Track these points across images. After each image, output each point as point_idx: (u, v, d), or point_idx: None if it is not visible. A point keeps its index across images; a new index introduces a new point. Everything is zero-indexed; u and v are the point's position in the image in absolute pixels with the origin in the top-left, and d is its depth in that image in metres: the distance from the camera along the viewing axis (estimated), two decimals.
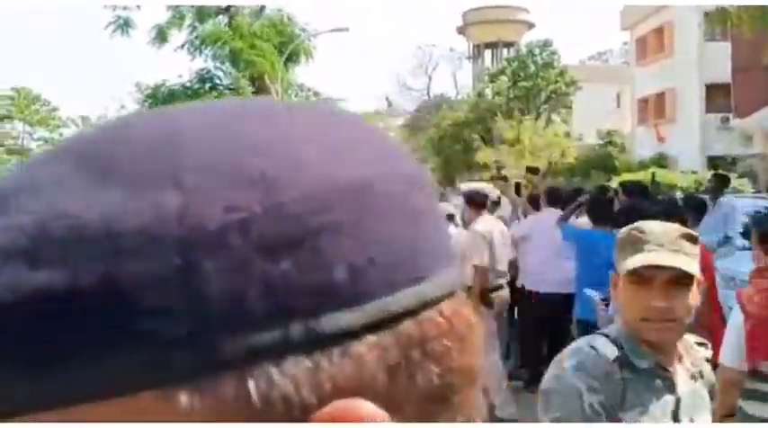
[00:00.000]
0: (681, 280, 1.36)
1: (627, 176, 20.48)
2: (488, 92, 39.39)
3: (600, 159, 27.93)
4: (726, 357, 2.28)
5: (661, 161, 23.06)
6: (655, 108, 26.23)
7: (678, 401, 1.39)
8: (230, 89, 16.34)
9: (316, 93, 20.74)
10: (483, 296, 4.83)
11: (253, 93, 16.62)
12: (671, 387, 1.39)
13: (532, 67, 36.14)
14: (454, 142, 40.04)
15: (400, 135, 56.57)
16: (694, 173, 20.22)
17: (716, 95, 22.09)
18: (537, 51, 36.89)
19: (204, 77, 16.76)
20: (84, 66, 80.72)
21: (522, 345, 5.82)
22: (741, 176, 17.84)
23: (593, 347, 1.36)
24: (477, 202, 5.46)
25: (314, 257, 0.24)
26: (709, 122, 23.09)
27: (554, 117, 33.11)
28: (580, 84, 35.19)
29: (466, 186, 26.68)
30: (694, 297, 1.39)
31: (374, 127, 0.33)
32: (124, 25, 15.39)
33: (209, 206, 0.24)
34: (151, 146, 0.25)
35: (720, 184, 7.64)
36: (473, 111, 39.48)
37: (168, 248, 0.23)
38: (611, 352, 1.35)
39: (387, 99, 62.53)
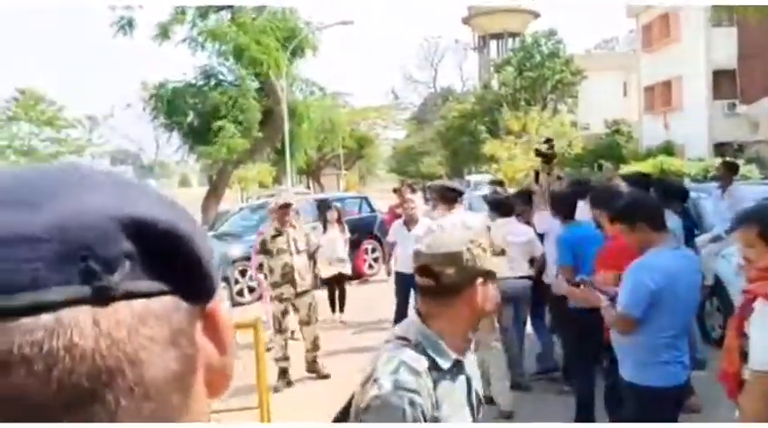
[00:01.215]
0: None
1: (634, 165, 20.52)
2: (494, 83, 39.28)
3: (607, 148, 27.81)
4: (764, 362, 2.09)
5: (668, 149, 22.95)
6: (661, 96, 26.07)
7: (469, 380, 1.58)
8: (235, 85, 16.35)
9: (321, 88, 20.74)
10: None
11: (258, 89, 16.66)
12: (462, 369, 1.57)
13: (538, 57, 36.00)
14: (461, 134, 39.99)
15: (407, 128, 56.61)
16: (701, 160, 20.16)
17: (723, 82, 21.94)
18: (542, 41, 36.72)
19: (208, 74, 16.77)
20: (88, 66, 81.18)
21: (567, 350, 5.10)
22: (748, 162, 17.75)
23: (404, 363, 1.45)
24: (448, 198, 5.79)
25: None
26: (716, 109, 22.93)
27: (560, 107, 33.00)
28: (586, 73, 35.00)
29: (473, 178, 26.31)
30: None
31: None
32: (127, 25, 15.43)
33: None
34: None
35: (729, 172, 7.57)
36: (479, 102, 39.40)
37: None
38: (422, 363, 1.46)
39: (393, 92, 62.61)
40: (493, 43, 51.75)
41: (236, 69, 16.68)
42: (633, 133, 29.13)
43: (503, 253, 5.00)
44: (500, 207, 5.73)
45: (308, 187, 37.56)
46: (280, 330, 5.87)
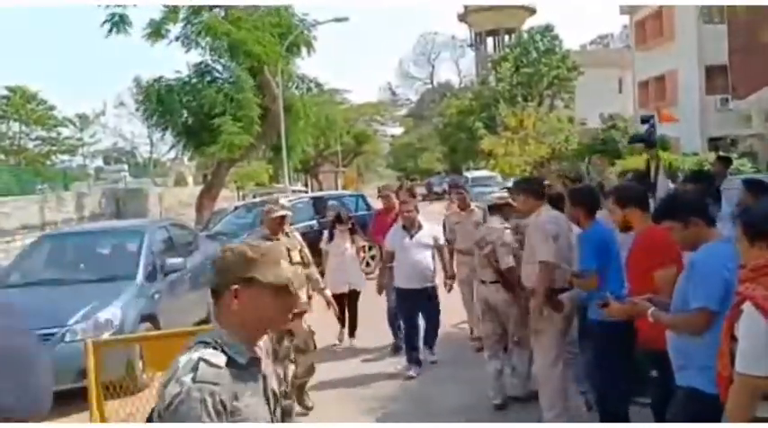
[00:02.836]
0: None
1: (630, 160, 20.66)
2: (491, 79, 39.37)
3: (603, 143, 27.93)
4: (749, 366, 2.06)
5: (663, 143, 23.05)
6: (655, 91, 26.20)
7: (265, 378, 1.71)
8: (230, 82, 16.33)
9: (317, 84, 20.78)
10: (549, 297, 4.16)
11: (254, 86, 16.65)
12: (258, 368, 1.68)
13: (534, 53, 36.09)
14: (459, 130, 40.11)
15: (405, 124, 56.67)
16: (695, 154, 20.29)
17: (715, 77, 22.05)
18: (538, 37, 36.82)
19: (203, 71, 16.72)
20: (80, 64, 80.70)
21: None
22: (741, 156, 17.95)
23: (203, 359, 1.53)
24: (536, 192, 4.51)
25: None
26: (709, 104, 23.08)
27: (557, 102, 33.08)
28: (582, 69, 35.11)
29: (471, 174, 26.35)
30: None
31: None
32: (120, 22, 15.30)
33: None
34: None
35: (724, 167, 7.68)
36: (477, 98, 39.50)
37: None
38: (220, 358, 1.56)
39: (390, 89, 62.60)
40: (489, 40, 51.82)
41: (231, 66, 16.63)
42: (628, 128, 29.25)
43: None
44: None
45: (306, 185, 37.64)
46: (276, 359, 4.69)
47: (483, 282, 5.00)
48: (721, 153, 14.67)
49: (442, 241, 6.14)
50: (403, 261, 5.84)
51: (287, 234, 5.06)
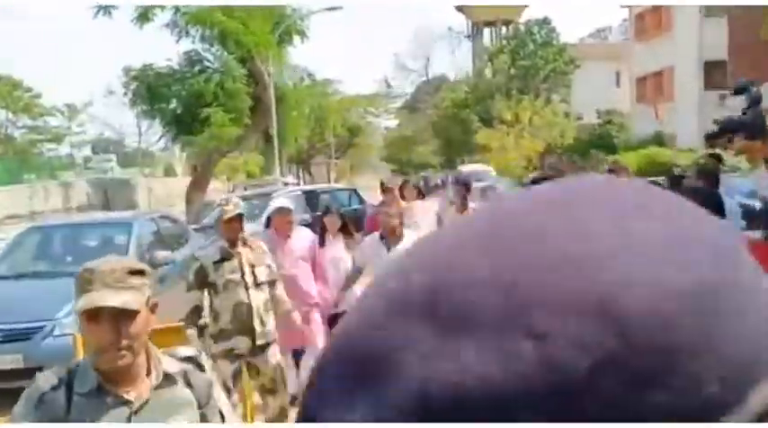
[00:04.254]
0: (125, 312, 1.60)
1: (625, 155, 20.48)
2: (487, 71, 39.04)
3: (599, 138, 27.72)
4: None
5: (659, 139, 22.86)
6: (653, 86, 25.96)
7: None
8: (220, 72, 16.05)
9: (310, 74, 20.51)
10: None
11: (245, 75, 16.36)
12: (121, 401, 1.65)
13: (531, 46, 35.78)
14: (454, 123, 39.78)
15: (399, 117, 56.35)
16: (692, 150, 20.10)
17: (714, 72, 21.83)
18: (536, 29, 36.50)
19: (193, 60, 16.44)
20: (67, 52, 79.88)
21: None
22: (737, 153, 17.66)
23: (37, 385, 1.63)
24: None
25: (679, 380, 0.23)
26: (707, 100, 22.85)
27: (553, 96, 32.79)
28: (579, 63, 34.83)
29: (465, 169, 26.31)
30: (142, 323, 1.63)
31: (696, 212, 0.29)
32: (108, 7, 15.03)
33: (567, 350, 0.23)
34: (494, 288, 0.25)
35: (712, 166, 7.48)
36: (472, 91, 39.17)
37: (541, 401, 0.23)
38: (49, 381, 1.62)
39: (385, 80, 62.17)
40: (486, 31, 51.44)
41: (222, 55, 16.36)
42: (625, 123, 29.04)
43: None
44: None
45: (298, 177, 37.31)
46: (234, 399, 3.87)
47: None
48: (717, 150, 14.47)
49: None
50: None
51: (246, 243, 4.00)
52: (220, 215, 4.07)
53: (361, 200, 12.91)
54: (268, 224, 5.44)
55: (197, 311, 3.93)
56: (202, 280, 3.92)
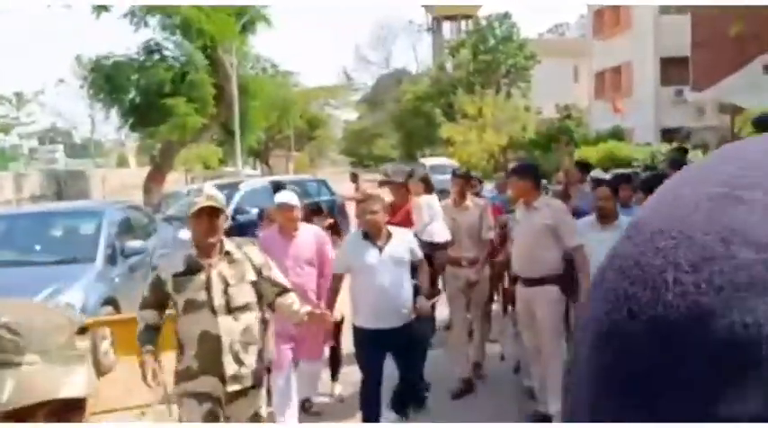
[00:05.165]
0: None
1: (584, 149, 20.86)
2: (449, 65, 39.18)
3: (559, 132, 28.15)
4: None
5: (617, 134, 23.37)
6: (611, 81, 26.49)
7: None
8: (181, 61, 15.61)
9: (273, 65, 20.17)
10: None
11: (207, 65, 15.96)
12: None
13: (492, 40, 36.07)
14: (415, 117, 39.82)
15: (359, 109, 56.12)
16: (648, 145, 20.62)
17: (671, 69, 22.40)
18: (496, 24, 36.78)
19: (152, 49, 15.93)
20: (17, 39, 76.62)
21: None
22: (694, 148, 18.26)
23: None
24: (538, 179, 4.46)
25: None
26: (664, 95, 23.46)
27: (513, 91, 33.16)
28: (539, 58, 35.31)
29: (428, 162, 26.29)
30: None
31: None
32: None
33: None
34: None
35: (680, 157, 7.83)
36: (434, 84, 39.27)
37: None
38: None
39: (345, 72, 61.81)
40: (446, 25, 51.62)
41: (183, 44, 15.91)
42: (583, 118, 29.58)
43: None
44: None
45: (255, 169, 36.75)
46: None
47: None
48: (675, 144, 14.91)
49: (420, 254, 4.14)
50: (366, 287, 3.87)
51: (227, 251, 3.01)
52: (189, 208, 3.01)
53: (332, 192, 12.73)
54: (261, 217, 5.24)
55: (149, 332, 2.97)
56: (158, 298, 2.98)
